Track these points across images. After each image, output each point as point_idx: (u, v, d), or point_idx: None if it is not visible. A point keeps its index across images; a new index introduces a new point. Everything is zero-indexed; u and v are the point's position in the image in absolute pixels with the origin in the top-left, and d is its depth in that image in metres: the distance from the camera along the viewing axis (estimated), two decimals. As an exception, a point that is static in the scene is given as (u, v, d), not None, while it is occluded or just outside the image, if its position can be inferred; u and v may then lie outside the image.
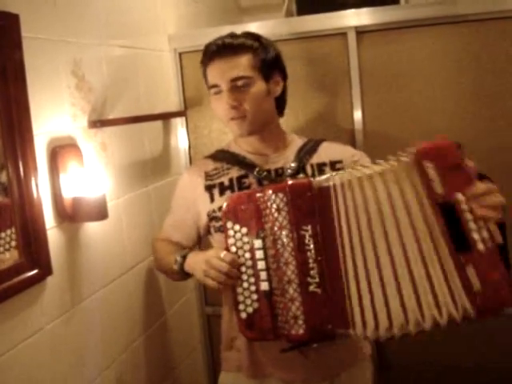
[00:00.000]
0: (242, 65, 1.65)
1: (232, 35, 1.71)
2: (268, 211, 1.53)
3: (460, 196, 1.38)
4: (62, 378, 1.69)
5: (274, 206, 1.52)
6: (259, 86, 1.67)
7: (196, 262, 1.63)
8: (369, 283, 1.47)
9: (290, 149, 1.79)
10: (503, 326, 2.33)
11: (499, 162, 2.23)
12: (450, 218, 1.39)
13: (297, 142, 1.81)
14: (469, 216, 1.38)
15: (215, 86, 1.68)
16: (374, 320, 1.46)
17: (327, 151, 1.77)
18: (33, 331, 1.57)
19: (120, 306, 2.02)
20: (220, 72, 1.66)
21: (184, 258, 1.68)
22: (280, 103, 1.79)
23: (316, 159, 1.75)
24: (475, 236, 1.38)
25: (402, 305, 1.44)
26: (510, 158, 2.23)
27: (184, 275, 1.71)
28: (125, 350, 2.04)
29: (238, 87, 1.65)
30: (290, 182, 1.53)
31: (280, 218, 1.51)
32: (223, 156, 1.81)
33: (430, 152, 1.42)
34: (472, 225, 1.38)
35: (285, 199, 1.51)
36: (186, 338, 2.57)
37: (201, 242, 1.86)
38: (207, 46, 1.71)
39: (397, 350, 2.45)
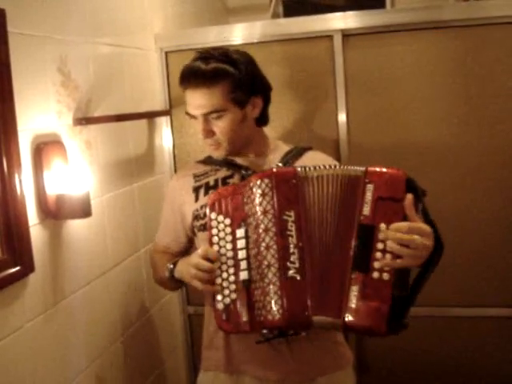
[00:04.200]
0: (215, 97, 1.63)
1: (206, 57, 1.67)
2: (253, 197, 1.56)
3: (382, 226, 1.46)
4: (42, 377, 1.68)
5: (259, 191, 1.55)
6: (233, 115, 1.67)
7: (183, 266, 1.67)
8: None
9: (275, 154, 1.81)
10: (485, 327, 2.36)
11: (486, 166, 2.26)
12: (365, 240, 1.48)
13: (283, 148, 1.84)
14: (380, 246, 1.46)
15: (190, 114, 1.70)
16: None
17: (312, 159, 1.78)
18: (13, 329, 1.56)
19: (102, 304, 2.01)
20: (193, 104, 1.67)
21: (175, 265, 1.72)
22: (262, 117, 1.78)
23: (301, 163, 1.76)
24: (375, 264, 1.46)
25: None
26: (496, 162, 2.26)
27: (175, 282, 1.74)
28: (106, 349, 2.03)
29: (211, 118, 1.67)
30: (275, 169, 1.58)
31: (264, 203, 1.54)
32: (212, 160, 1.83)
33: (374, 176, 1.50)
34: (378, 254, 1.46)
35: (270, 185, 1.54)
36: (167, 337, 2.56)
37: (192, 245, 1.87)
38: (182, 70, 1.69)
39: (377, 353, 2.47)
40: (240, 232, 1.57)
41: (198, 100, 1.66)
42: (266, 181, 1.54)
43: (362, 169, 1.52)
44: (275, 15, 3.51)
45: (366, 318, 1.45)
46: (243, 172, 1.74)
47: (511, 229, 2.28)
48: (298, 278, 1.50)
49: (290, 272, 1.50)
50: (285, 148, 1.83)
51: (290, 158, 1.78)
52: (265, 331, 1.59)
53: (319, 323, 1.50)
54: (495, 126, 2.24)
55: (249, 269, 1.55)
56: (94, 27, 2.01)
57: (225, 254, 1.58)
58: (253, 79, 1.71)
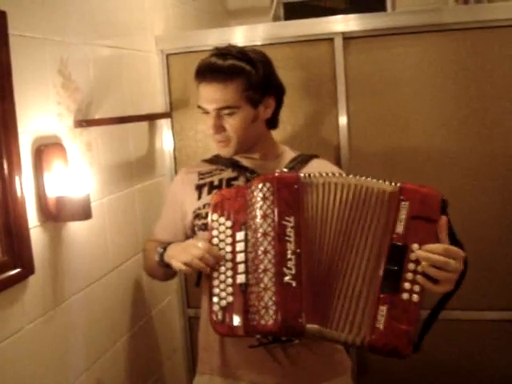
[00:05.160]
0: (230, 93, 1.64)
1: (223, 53, 1.68)
2: (254, 200, 1.55)
3: (414, 246, 1.43)
4: (41, 378, 1.68)
5: (261, 194, 1.53)
6: (246, 113, 1.68)
7: (175, 251, 1.65)
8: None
9: (281, 159, 1.81)
10: (485, 330, 2.36)
11: (487, 169, 2.26)
12: (396, 259, 1.44)
13: (289, 154, 1.84)
14: (411, 266, 1.43)
15: (202, 107, 1.70)
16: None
17: (318, 167, 1.77)
18: (13, 331, 1.56)
19: (102, 306, 2.01)
20: (207, 98, 1.67)
21: (165, 249, 1.70)
22: (272, 120, 1.79)
23: (306, 171, 1.75)
24: (405, 285, 1.43)
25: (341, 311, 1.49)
26: (497, 164, 2.26)
27: (163, 267, 1.71)
28: (106, 351, 2.03)
29: (223, 114, 1.67)
30: (277, 174, 1.56)
31: (264, 207, 1.52)
32: (219, 159, 1.84)
33: (410, 193, 1.46)
34: (409, 275, 1.43)
35: (271, 189, 1.53)
36: (167, 339, 2.56)
37: None
38: (199, 65, 1.70)
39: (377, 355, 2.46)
40: (240, 235, 1.56)
41: (212, 94, 1.66)
42: (268, 185, 1.53)
43: (396, 184, 1.48)
44: (276, 18, 3.52)
45: (393, 340, 1.42)
46: (248, 175, 1.74)
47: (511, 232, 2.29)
48: (294, 284, 1.47)
49: (286, 278, 1.48)
50: (291, 154, 1.83)
51: (295, 164, 1.77)
52: (258, 336, 1.58)
53: (312, 332, 1.48)
54: (496, 128, 2.24)
55: (246, 272, 1.54)
56: (94, 29, 2.01)
57: (224, 257, 1.57)
58: (268, 79, 1.71)
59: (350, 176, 1.55)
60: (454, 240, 1.49)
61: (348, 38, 2.30)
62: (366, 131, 2.35)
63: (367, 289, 1.47)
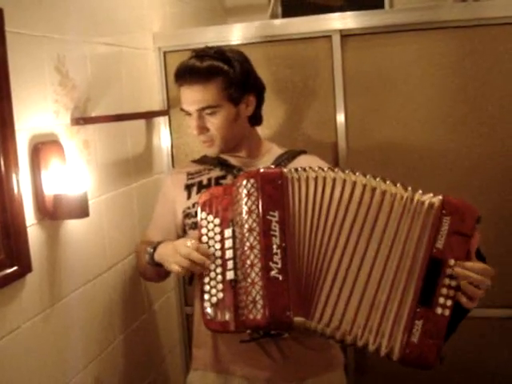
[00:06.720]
0: (210, 93, 1.67)
1: (201, 55, 1.71)
2: (239, 197, 1.56)
3: (451, 261, 1.45)
4: (39, 377, 1.67)
5: (245, 191, 1.55)
6: (227, 112, 1.70)
7: (165, 250, 1.67)
8: (338, 283, 1.51)
9: (268, 156, 1.83)
10: (487, 328, 2.36)
11: (485, 167, 2.26)
12: (432, 273, 1.46)
13: (276, 151, 1.86)
14: (446, 281, 1.46)
15: (185, 110, 1.74)
16: (330, 318, 1.49)
17: (305, 163, 1.77)
18: (11, 329, 1.55)
19: (100, 304, 2.01)
20: (188, 100, 1.71)
21: (155, 249, 1.72)
22: (255, 116, 1.81)
23: (292, 167, 1.75)
24: (440, 300, 1.45)
25: (355, 316, 1.49)
26: (495, 163, 2.26)
27: (155, 266, 1.72)
28: (104, 349, 2.02)
29: (205, 114, 1.70)
30: (261, 170, 1.58)
31: (249, 203, 1.54)
32: (207, 159, 1.86)
33: (454, 209, 1.47)
34: (444, 290, 1.46)
35: (255, 185, 1.54)
36: (165, 337, 2.56)
37: None
38: (177, 68, 1.73)
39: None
40: (228, 232, 1.58)
41: (192, 96, 1.69)
42: (252, 181, 1.55)
43: (439, 198, 1.49)
44: (274, 15, 3.51)
45: (426, 354, 1.45)
46: (235, 173, 1.76)
47: (510, 229, 2.28)
48: (281, 278, 1.49)
49: (273, 272, 1.49)
50: (278, 151, 1.85)
51: (282, 160, 1.79)
52: (249, 331, 1.59)
53: (300, 324, 1.49)
54: (493, 126, 2.24)
55: (235, 268, 1.55)
56: (92, 26, 2.01)
57: (213, 254, 1.59)
58: (247, 77, 1.74)
59: (347, 171, 1.56)
60: (478, 254, 1.51)
61: (346, 35, 2.30)
62: (364, 128, 2.35)
63: (398, 300, 1.48)
